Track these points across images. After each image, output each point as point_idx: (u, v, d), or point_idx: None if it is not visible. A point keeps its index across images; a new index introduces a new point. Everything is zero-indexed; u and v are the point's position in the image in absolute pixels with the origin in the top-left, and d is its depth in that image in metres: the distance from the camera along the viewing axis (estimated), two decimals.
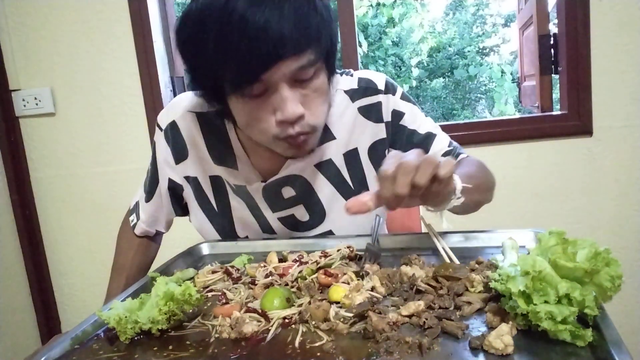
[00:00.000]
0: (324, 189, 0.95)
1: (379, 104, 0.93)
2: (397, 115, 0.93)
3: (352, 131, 0.93)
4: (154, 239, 1.11)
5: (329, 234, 0.97)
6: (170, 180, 0.99)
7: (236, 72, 0.71)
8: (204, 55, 0.71)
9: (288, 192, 0.94)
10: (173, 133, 0.96)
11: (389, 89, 0.94)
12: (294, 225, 0.97)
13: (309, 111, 0.77)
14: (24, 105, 1.84)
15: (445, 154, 0.94)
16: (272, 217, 0.96)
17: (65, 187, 1.92)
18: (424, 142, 0.94)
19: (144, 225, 1.05)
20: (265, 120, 0.76)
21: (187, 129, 0.96)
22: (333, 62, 0.81)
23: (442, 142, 0.95)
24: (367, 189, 0.95)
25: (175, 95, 1.86)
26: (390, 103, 0.93)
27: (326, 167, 0.94)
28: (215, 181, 0.97)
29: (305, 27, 0.70)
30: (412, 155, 0.60)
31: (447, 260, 0.74)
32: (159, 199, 1.03)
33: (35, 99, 1.84)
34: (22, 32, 1.82)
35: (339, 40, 1.73)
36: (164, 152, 0.98)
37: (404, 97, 0.95)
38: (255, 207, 0.96)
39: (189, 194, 1.00)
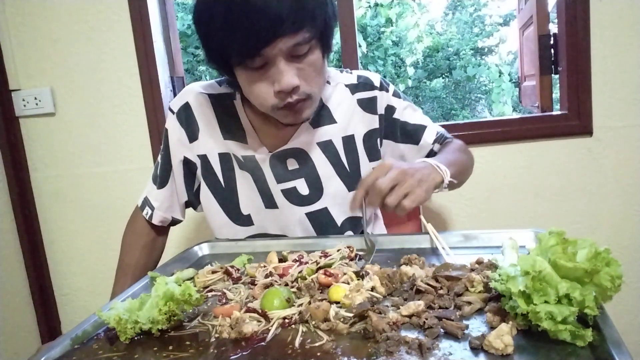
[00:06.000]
0: (323, 167, 1.01)
1: (374, 98, 1.04)
2: (390, 109, 1.05)
3: (350, 118, 1.03)
4: (160, 238, 1.12)
5: (324, 211, 1.02)
6: (185, 158, 1.04)
7: (239, 47, 0.80)
8: (213, 33, 0.82)
9: (292, 164, 1.01)
10: (187, 114, 1.03)
11: (383, 87, 1.06)
12: (294, 199, 1.01)
13: (305, 82, 0.86)
14: (24, 105, 1.84)
15: (434, 142, 1.07)
16: (275, 189, 1.01)
17: (65, 187, 1.91)
18: (416, 132, 1.07)
19: (161, 212, 1.08)
20: (265, 91, 0.86)
21: (199, 109, 1.02)
22: (328, 41, 0.88)
23: (431, 131, 1.07)
24: (360, 173, 1.04)
25: (175, 95, 1.86)
26: (384, 99, 1.05)
27: (327, 147, 1.02)
28: (224, 158, 1.02)
29: (301, 8, 0.79)
30: (392, 175, 0.78)
31: (447, 260, 0.74)
32: (172, 183, 1.07)
33: (35, 99, 1.83)
34: (22, 32, 1.81)
35: (339, 40, 1.73)
36: (178, 133, 1.03)
37: (395, 94, 1.07)
38: (261, 178, 1.01)
39: (200, 173, 1.04)
